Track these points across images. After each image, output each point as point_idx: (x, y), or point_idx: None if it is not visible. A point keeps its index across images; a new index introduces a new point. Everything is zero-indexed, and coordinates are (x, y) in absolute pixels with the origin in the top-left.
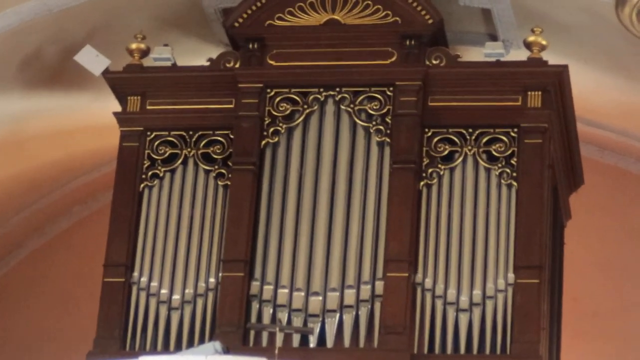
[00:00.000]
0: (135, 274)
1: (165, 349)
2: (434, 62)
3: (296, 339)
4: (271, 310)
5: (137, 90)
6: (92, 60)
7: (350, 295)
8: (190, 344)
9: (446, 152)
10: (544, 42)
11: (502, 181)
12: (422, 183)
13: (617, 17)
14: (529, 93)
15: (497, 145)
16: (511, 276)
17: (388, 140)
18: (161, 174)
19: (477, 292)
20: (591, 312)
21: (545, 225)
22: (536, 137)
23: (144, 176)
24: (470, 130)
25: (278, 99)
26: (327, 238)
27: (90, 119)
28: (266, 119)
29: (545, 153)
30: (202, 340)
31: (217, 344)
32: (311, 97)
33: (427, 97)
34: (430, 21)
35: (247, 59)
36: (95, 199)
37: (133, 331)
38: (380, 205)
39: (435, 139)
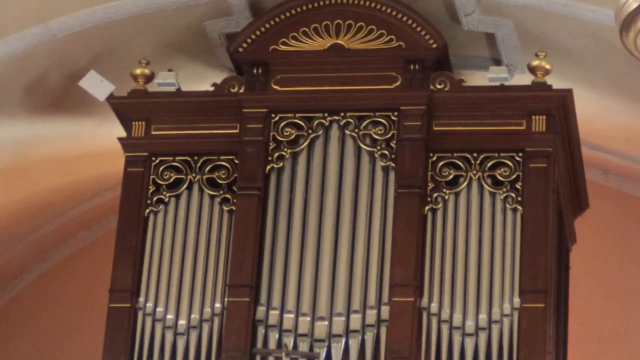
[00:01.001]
0: (141, 299)
1: None
2: (438, 86)
3: None
4: (277, 335)
5: (142, 116)
6: (97, 85)
7: (356, 320)
8: None
9: (451, 177)
10: (548, 67)
11: (507, 205)
12: (427, 207)
13: (622, 42)
14: (534, 117)
15: (502, 170)
16: (517, 300)
17: (393, 164)
18: (166, 199)
19: (482, 317)
20: (596, 336)
21: (550, 250)
22: (541, 162)
23: (149, 201)
24: (475, 154)
25: (282, 124)
26: (332, 263)
27: (94, 144)
28: (271, 144)
29: (550, 177)
30: None
31: None
32: (316, 122)
33: (432, 121)
34: (434, 45)
35: (251, 84)
36: (100, 225)
37: (139, 357)
38: (386, 230)
39: (440, 164)
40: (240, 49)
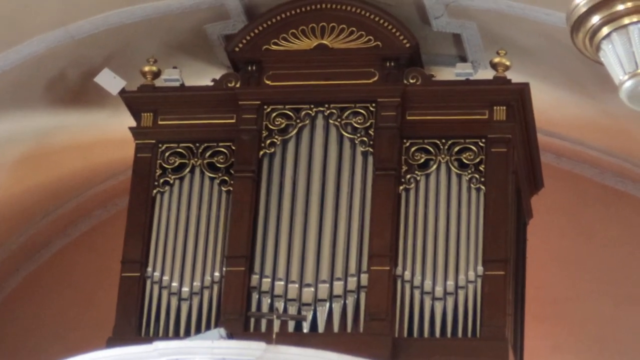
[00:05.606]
0: (149, 269)
1: (176, 335)
2: (411, 81)
3: (291, 325)
4: (269, 300)
5: (150, 108)
6: (110, 81)
7: (338, 286)
8: (198, 330)
9: (422, 160)
10: (507, 63)
11: (472, 185)
12: (401, 187)
13: (572, 41)
14: (495, 108)
15: (467, 154)
16: (480, 269)
17: (371, 150)
18: (171, 181)
19: (450, 283)
20: (551, 299)
21: (510, 224)
22: (501, 147)
23: (156, 183)
24: (444, 140)
25: (274, 114)
26: (318, 236)
27: (108, 133)
28: (264, 132)
29: (509, 160)
30: (208, 327)
31: (221, 330)
32: (303, 113)
33: (405, 111)
34: (407, 45)
35: (246, 80)
36: (113, 204)
37: (147, 319)
38: (365, 207)
39: (413, 149)
40: (237, 49)
